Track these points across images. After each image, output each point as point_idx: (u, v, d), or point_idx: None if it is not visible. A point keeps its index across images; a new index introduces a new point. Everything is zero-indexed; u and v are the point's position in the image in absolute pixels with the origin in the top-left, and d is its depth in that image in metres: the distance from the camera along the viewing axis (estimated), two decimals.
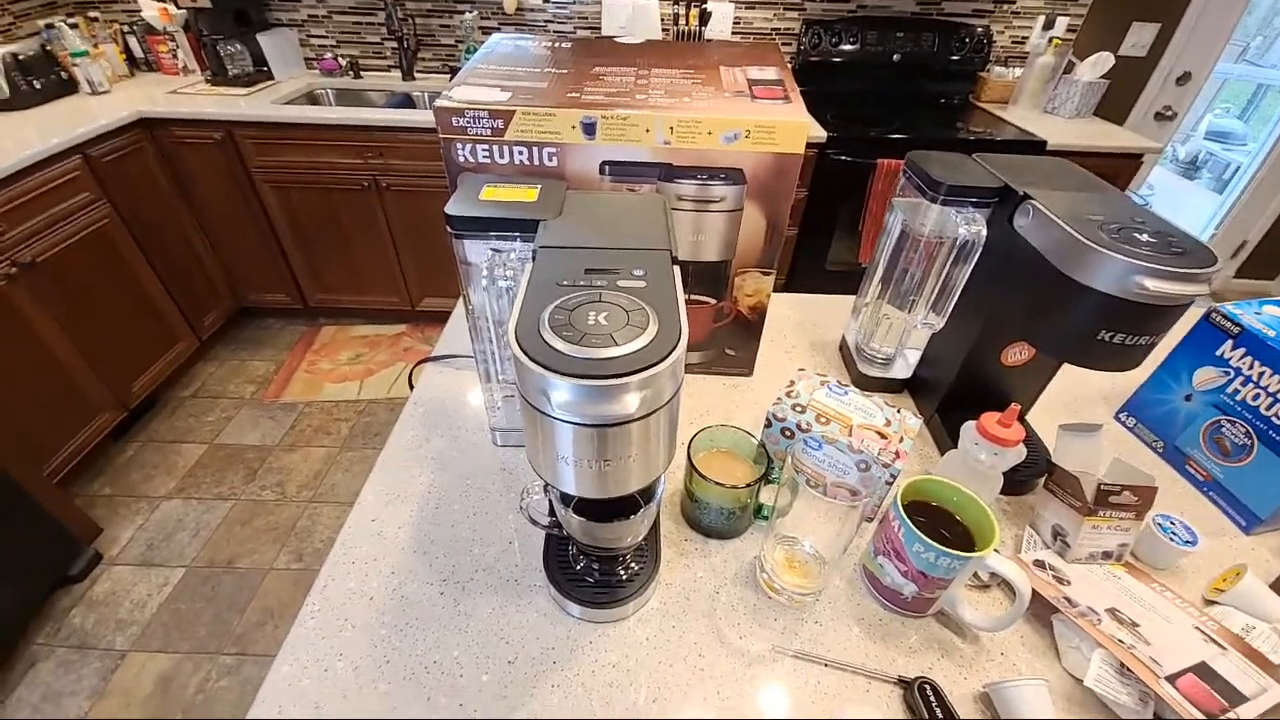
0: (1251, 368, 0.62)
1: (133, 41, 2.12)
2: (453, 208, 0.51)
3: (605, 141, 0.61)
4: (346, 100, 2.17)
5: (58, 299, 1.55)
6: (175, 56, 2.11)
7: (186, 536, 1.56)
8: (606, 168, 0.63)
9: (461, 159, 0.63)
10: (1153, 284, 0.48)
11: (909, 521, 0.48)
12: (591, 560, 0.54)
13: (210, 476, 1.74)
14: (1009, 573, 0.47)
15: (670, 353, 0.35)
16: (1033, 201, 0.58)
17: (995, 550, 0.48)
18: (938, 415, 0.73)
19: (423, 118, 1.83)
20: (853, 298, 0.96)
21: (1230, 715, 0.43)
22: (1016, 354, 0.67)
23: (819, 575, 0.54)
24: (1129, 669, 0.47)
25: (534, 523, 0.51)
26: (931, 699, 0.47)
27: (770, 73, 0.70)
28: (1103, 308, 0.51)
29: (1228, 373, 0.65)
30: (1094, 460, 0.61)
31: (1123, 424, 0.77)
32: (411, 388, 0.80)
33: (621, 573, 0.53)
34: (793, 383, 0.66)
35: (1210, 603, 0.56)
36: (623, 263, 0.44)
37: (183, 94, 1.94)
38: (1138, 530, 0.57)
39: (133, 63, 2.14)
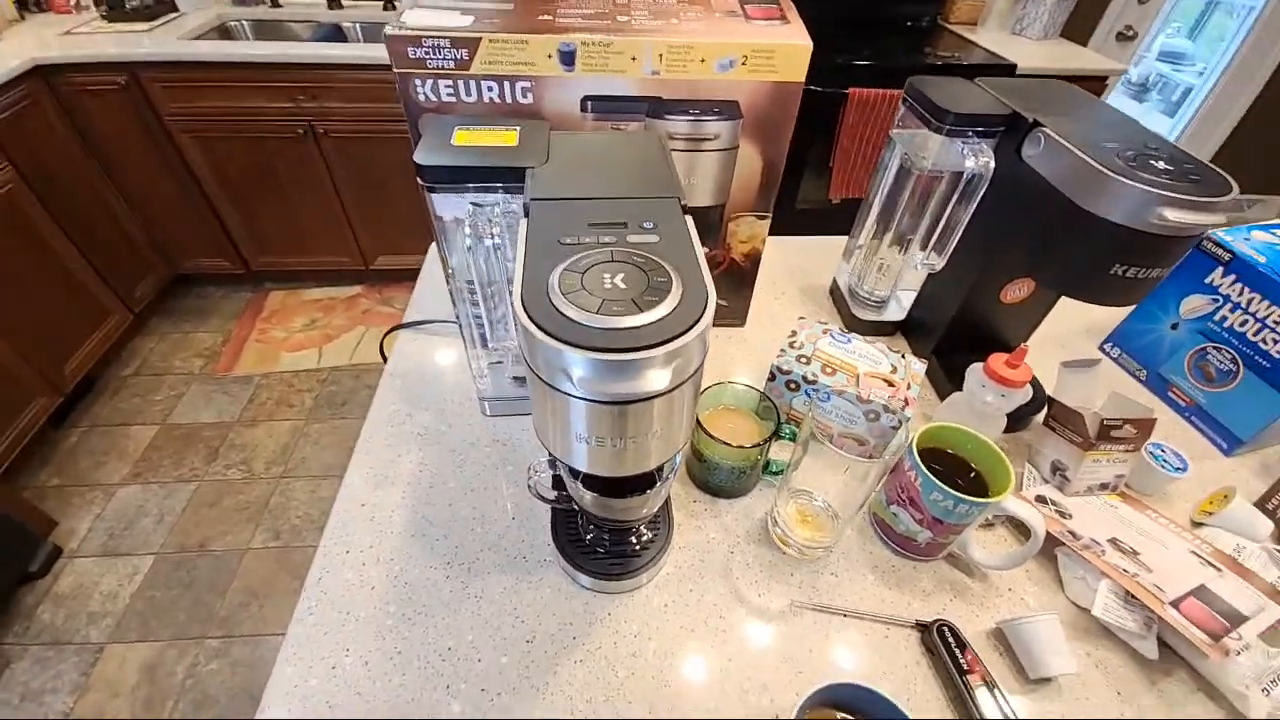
0: (1241, 294, 0.63)
1: None
2: (423, 156, 0.44)
3: (586, 73, 0.54)
4: (265, 33, 1.94)
5: None
6: None
7: (150, 523, 1.48)
8: (589, 103, 0.56)
9: (421, 97, 0.55)
10: (1174, 214, 0.46)
11: (926, 470, 0.48)
12: (603, 532, 0.51)
13: (167, 459, 1.64)
14: (1026, 514, 0.47)
15: (699, 318, 0.31)
16: (1044, 129, 0.55)
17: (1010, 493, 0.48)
18: (934, 356, 0.73)
19: (359, 53, 1.65)
20: (839, 239, 0.93)
21: (1233, 636, 0.45)
22: (1016, 291, 0.66)
23: (832, 529, 0.53)
24: (1134, 596, 0.49)
25: (542, 499, 0.48)
26: (950, 639, 0.48)
27: None
28: (1119, 240, 0.50)
29: (1216, 300, 0.65)
30: (1092, 394, 0.62)
31: (1107, 354, 0.78)
32: (385, 359, 0.74)
33: (634, 542, 0.51)
34: (794, 333, 0.64)
35: (1198, 525, 0.58)
36: (629, 213, 0.39)
37: (78, 34, 1.68)
38: (1135, 461, 0.58)
39: (22, 4, 1.84)
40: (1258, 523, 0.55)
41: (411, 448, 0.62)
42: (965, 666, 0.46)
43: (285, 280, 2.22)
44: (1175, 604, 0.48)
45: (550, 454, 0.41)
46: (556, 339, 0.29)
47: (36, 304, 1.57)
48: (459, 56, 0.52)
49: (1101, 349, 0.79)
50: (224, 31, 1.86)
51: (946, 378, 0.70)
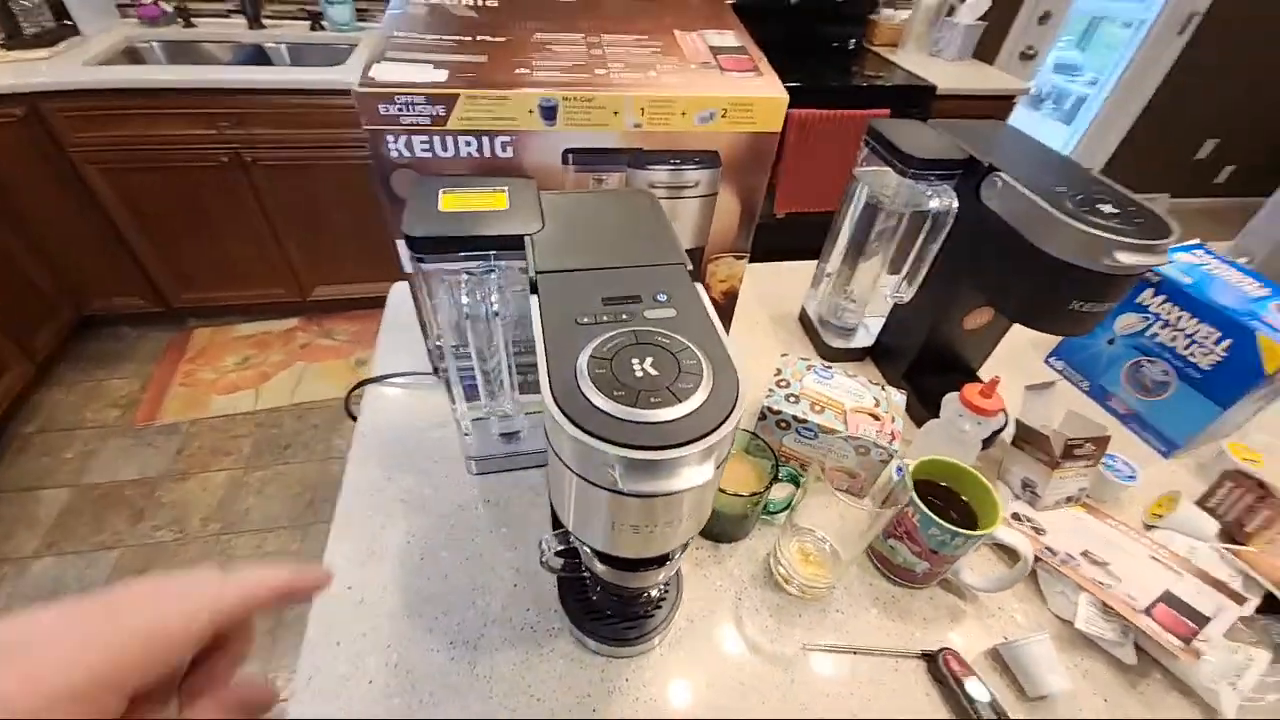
0: (1170, 312, 0.69)
1: None
2: (413, 226, 0.42)
3: (568, 127, 0.53)
4: (181, 56, 1.80)
5: None
6: None
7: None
8: (570, 156, 0.56)
9: (395, 154, 0.52)
10: (1125, 257, 0.50)
11: (925, 509, 0.50)
12: (614, 596, 0.50)
13: (84, 524, 1.48)
14: (1015, 542, 0.50)
15: (734, 405, 0.31)
16: (999, 174, 0.59)
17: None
18: (903, 381, 0.76)
19: (287, 77, 1.56)
20: (805, 264, 0.96)
21: (1200, 638, 0.50)
22: (977, 319, 0.70)
23: (834, 567, 0.55)
24: (1110, 607, 0.53)
25: (552, 571, 0.47)
26: (955, 667, 0.50)
27: (730, 38, 0.64)
28: (1076, 279, 0.54)
29: (1147, 318, 0.72)
30: (1051, 413, 0.66)
31: (1052, 366, 0.85)
32: (353, 417, 0.70)
33: (647, 603, 0.51)
34: (779, 370, 0.65)
35: (1150, 527, 0.64)
36: (640, 285, 0.38)
37: None
38: (1094, 474, 0.63)
39: None
40: (1204, 523, 0.61)
41: (395, 516, 0.59)
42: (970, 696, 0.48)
43: (210, 315, 2.06)
44: (1148, 610, 0.52)
45: (571, 534, 0.40)
46: (595, 436, 0.29)
47: None
48: (435, 113, 0.50)
49: (1047, 362, 0.85)
50: (133, 55, 1.71)
51: (918, 400, 0.73)
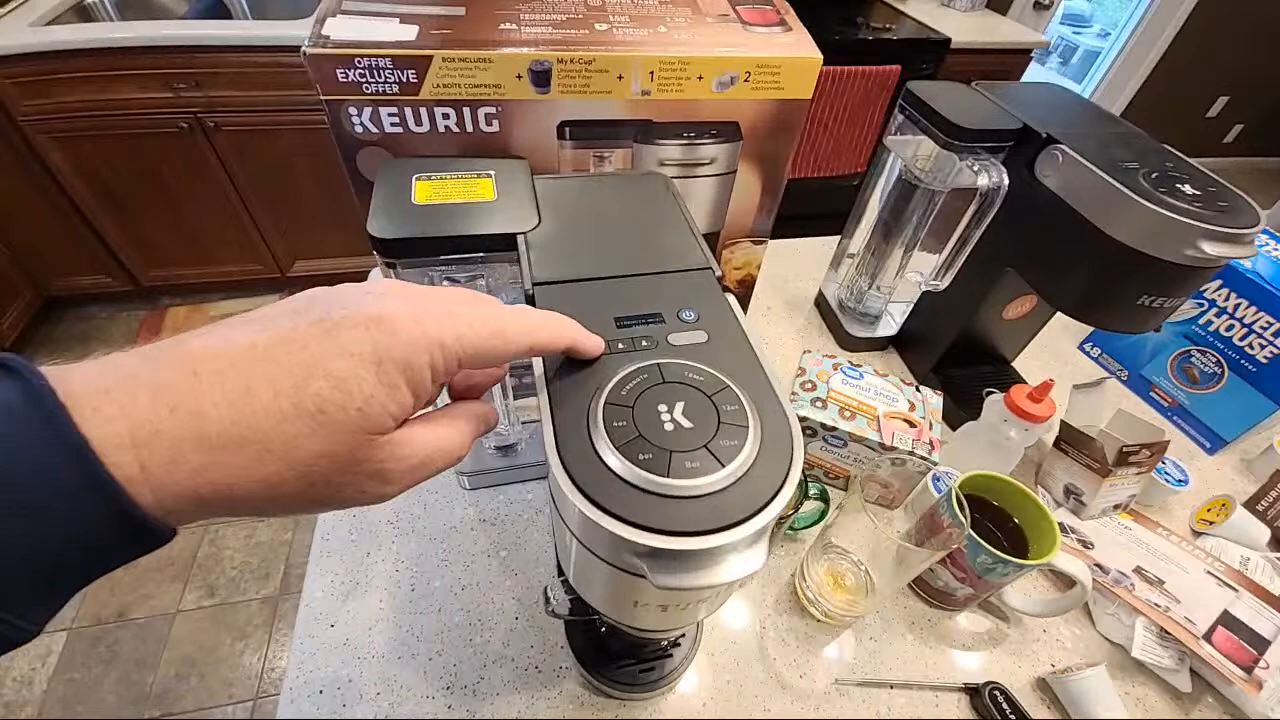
0: (1227, 300, 0.63)
1: None
2: (381, 226, 0.35)
3: (563, 95, 0.45)
4: (132, 11, 1.64)
5: None
6: None
7: None
8: (568, 130, 0.48)
9: (359, 129, 0.44)
10: (1211, 247, 0.44)
11: (977, 538, 0.44)
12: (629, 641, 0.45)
13: None
14: (1076, 572, 0.45)
15: (790, 463, 0.25)
16: (1060, 146, 0.51)
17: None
18: (932, 374, 0.70)
19: (249, 32, 1.42)
20: (820, 241, 0.89)
21: (1261, 665, 0.46)
22: (1019, 307, 0.64)
23: (866, 596, 0.49)
24: (1168, 632, 0.48)
25: (558, 617, 0.41)
26: (1003, 704, 0.45)
27: None
28: (1148, 271, 0.47)
29: (1201, 304, 0.66)
30: (1099, 412, 0.61)
31: (1086, 354, 0.79)
32: None
33: (665, 644, 0.46)
34: (802, 369, 0.59)
35: (1197, 534, 0.59)
36: (660, 298, 0.31)
37: None
38: (1146, 480, 0.58)
39: None
40: (1255, 530, 0.57)
41: (382, 541, 0.53)
42: None
43: (185, 294, 1.95)
44: (1208, 636, 0.48)
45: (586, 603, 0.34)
46: (617, 517, 0.22)
47: None
48: (405, 79, 0.42)
49: (1081, 348, 0.79)
50: (82, 13, 1.55)
51: (949, 397, 0.67)
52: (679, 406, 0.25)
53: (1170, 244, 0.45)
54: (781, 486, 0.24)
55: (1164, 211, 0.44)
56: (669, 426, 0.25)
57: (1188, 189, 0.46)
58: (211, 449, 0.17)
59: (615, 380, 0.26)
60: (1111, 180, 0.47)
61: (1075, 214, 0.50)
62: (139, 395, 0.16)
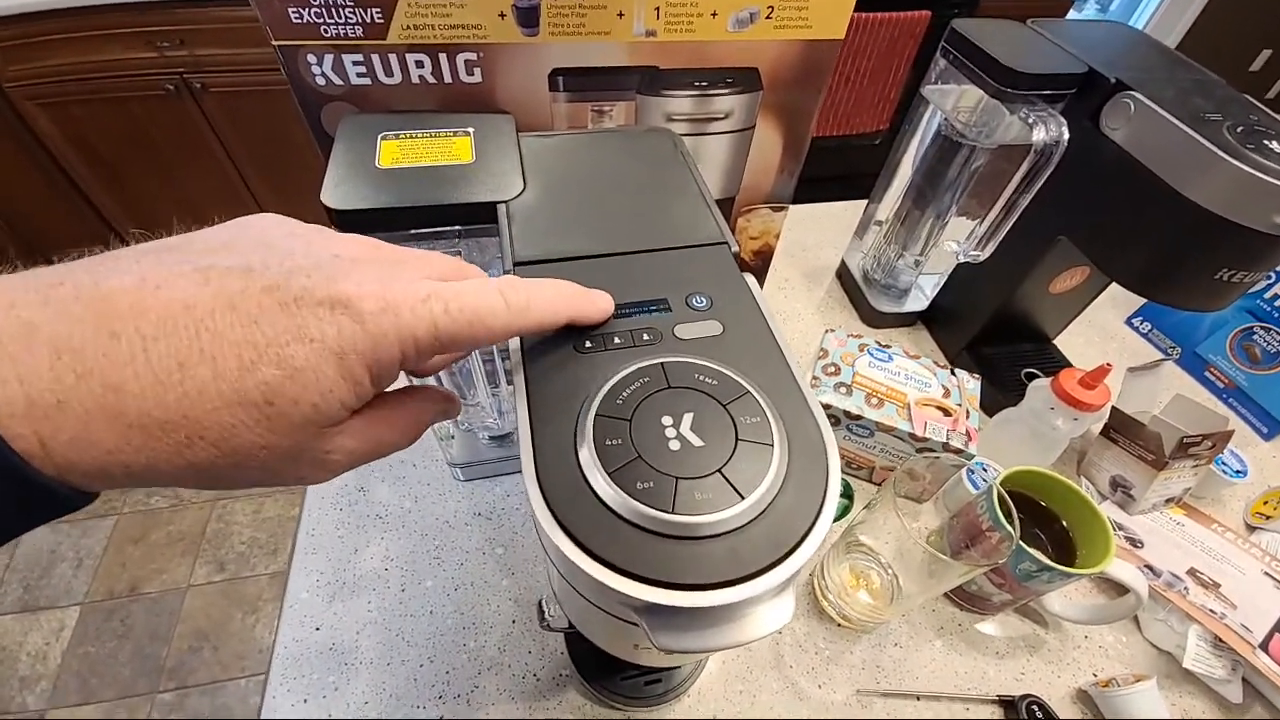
0: None
1: None
2: (336, 194, 0.29)
3: (554, 38, 0.39)
4: None
5: None
6: None
7: (68, 569, 1.30)
8: (560, 80, 0.41)
9: (320, 80, 0.38)
10: None
11: (1026, 548, 0.39)
12: None
13: None
14: (1132, 581, 0.40)
15: (825, 491, 0.20)
16: (1133, 93, 0.44)
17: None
18: (965, 353, 0.64)
19: None
20: (841, 206, 0.82)
21: None
22: (1069, 280, 0.57)
23: (892, 602, 0.45)
24: (1223, 641, 0.44)
25: (555, 630, 0.38)
26: (1040, 718, 0.42)
27: None
28: (1232, 240, 0.41)
29: (1270, 276, 0.59)
30: (1154, 397, 0.55)
31: (1135, 329, 0.73)
32: None
33: None
34: (825, 351, 0.53)
35: (1252, 528, 0.54)
36: (666, 280, 0.26)
37: None
38: (1204, 472, 0.52)
39: None
40: None
41: (371, 536, 0.50)
42: None
43: None
44: (1265, 645, 0.43)
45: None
46: (610, 565, 0.18)
47: None
48: (368, 18, 0.36)
49: (1129, 323, 0.73)
50: None
51: (984, 377, 0.62)
52: (687, 419, 0.21)
53: (1261, 210, 0.39)
54: (815, 522, 0.19)
55: (1255, 172, 0.38)
56: (675, 445, 0.20)
57: (1276, 146, 0.39)
58: (128, 429, 0.14)
59: (610, 385, 0.21)
60: (1194, 134, 0.40)
61: (1148, 173, 0.43)
62: (38, 352, 0.13)
